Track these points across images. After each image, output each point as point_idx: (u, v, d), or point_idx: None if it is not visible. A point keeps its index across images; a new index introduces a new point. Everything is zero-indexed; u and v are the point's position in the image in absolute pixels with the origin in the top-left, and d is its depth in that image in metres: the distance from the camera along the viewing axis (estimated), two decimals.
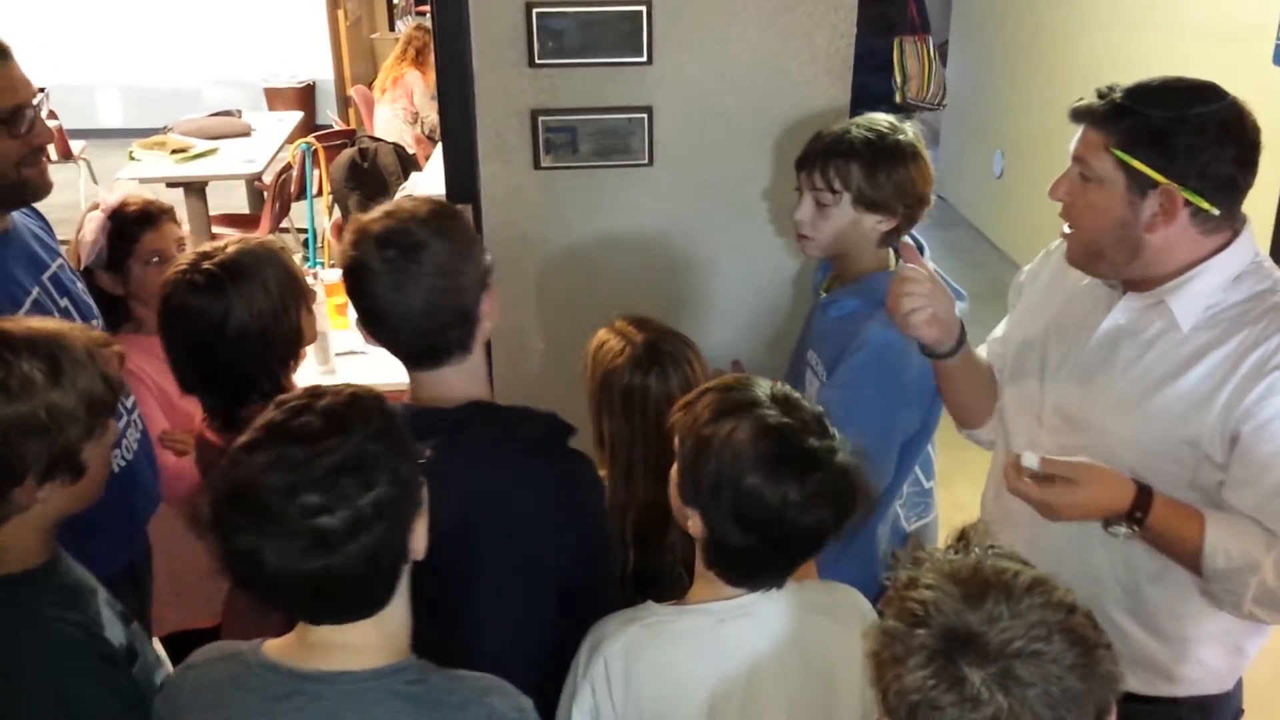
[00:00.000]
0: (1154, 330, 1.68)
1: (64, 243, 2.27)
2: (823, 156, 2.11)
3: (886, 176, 2.08)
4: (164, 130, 6.34)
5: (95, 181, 7.43)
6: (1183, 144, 1.56)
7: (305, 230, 5.88)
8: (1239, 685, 1.85)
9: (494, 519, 1.59)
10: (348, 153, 5.71)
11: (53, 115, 6.81)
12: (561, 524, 1.64)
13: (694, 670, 1.52)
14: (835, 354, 2.13)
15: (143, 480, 2.16)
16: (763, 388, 1.52)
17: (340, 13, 9.06)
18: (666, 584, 1.77)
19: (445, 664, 1.36)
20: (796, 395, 1.54)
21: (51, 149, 2.06)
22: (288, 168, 5.83)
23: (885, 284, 2.06)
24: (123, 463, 2.09)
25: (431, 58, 3.00)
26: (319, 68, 9.31)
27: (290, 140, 6.40)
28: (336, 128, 7.03)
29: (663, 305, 2.56)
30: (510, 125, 2.65)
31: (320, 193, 5.95)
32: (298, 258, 5.78)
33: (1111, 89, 1.62)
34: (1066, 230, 1.72)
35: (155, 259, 2.41)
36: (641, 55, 2.61)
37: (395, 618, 1.33)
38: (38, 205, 2.10)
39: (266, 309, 2.01)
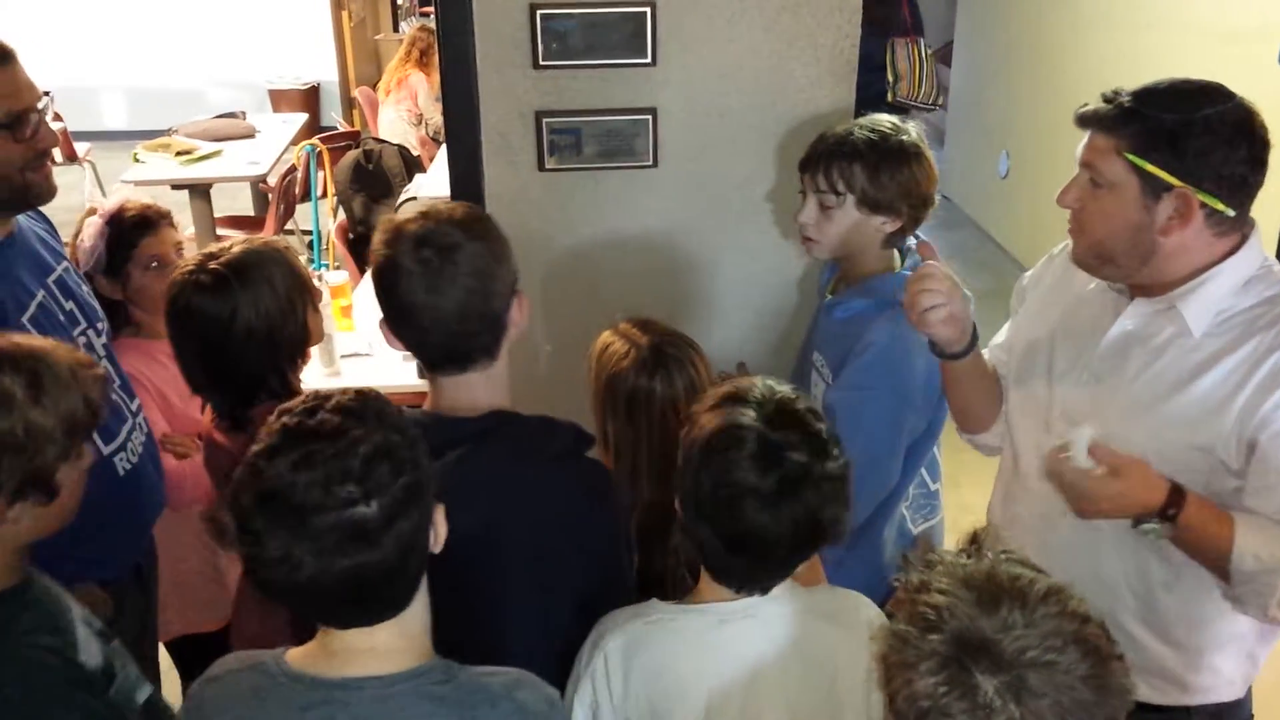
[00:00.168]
0: (1164, 335, 1.67)
1: (66, 245, 2.28)
2: (826, 158, 2.10)
3: (890, 177, 2.07)
4: (169, 132, 6.35)
5: (100, 184, 7.44)
6: (1195, 145, 1.55)
7: (310, 232, 5.89)
8: (1249, 692, 1.84)
9: (517, 529, 1.59)
10: (352, 154, 5.71)
11: (57, 118, 6.80)
12: (583, 534, 1.64)
13: (693, 669, 1.52)
14: (841, 356, 2.13)
15: (148, 483, 2.16)
16: (759, 389, 1.51)
17: (344, 14, 9.07)
18: (670, 586, 1.76)
19: None
20: (791, 396, 1.51)
21: (56, 151, 2.06)
22: (292, 169, 5.84)
23: (891, 285, 2.07)
24: (128, 465, 2.09)
25: (436, 59, 3.00)
26: (323, 69, 9.31)
27: (295, 142, 6.41)
28: (341, 129, 7.04)
29: (667, 307, 2.55)
30: (514, 127, 2.65)
31: (325, 194, 5.95)
32: (302, 259, 5.78)
33: (1118, 93, 1.61)
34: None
35: (154, 264, 2.41)
36: (646, 57, 2.60)
37: (417, 617, 1.32)
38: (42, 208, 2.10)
39: (273, 308, 2.02)
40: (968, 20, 7.47)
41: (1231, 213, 1.58)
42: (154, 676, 2.39)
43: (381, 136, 6.30)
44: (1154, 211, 1.59)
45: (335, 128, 7.30)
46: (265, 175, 6.11)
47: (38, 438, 1.47)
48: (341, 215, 5.58)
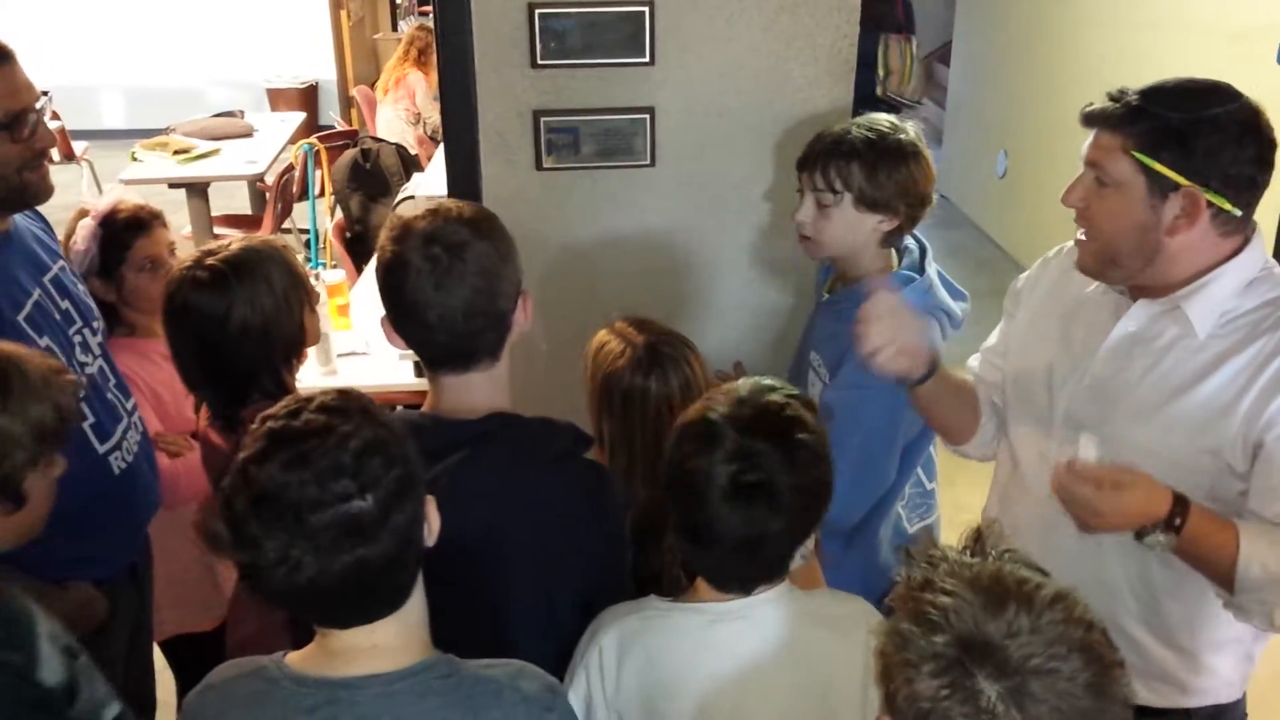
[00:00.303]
0: (1168, 337, 1.66)
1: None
2: (824, 157, 2.10)
3: (888, 176, 2.07)
4: (166, 131, 6.34)
5: (97, 182, 7.44)
6: (1204, 145, 1.54)
7: (307, 231, 5.88)
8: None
9: (519, 531, 1.59)
10: (350, 153, 5.70)
11: (55, 116, 6.82)
12: (583, 535, 1.64)
13: (685, 666, 1.51)
14: (838, 355, 2.13)
15: (143, 482, 2.16)
16: (744, 387, 1.51)
17: (343, 13, 9.07)
18: (664, 585, 1.76)
19: None
20: (777, 401, 1.50)
21: (54, 150, 2.05)
22: (290, 168, 5.83)
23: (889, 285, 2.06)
24: (123, 464, 2.09)
25: (434, 58, 3.00)
26: (321, 68, 9.31)
27: (292, 141, 6.40)
28: (339, 128, 7.03)
29: (665, 306, 2.55)
30: (512, 126, 2.65)
31: (322, 193, 5.95)
32: (300, 259, 5.78)
33: (1124, 92, 1.60)
34: (1081, 237, 1.69)
35: (148, 265, 2.41)
36: (644, 56, 2.60)
37: (415, 611, 1.32)
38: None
39: (270, 306, 2.01)
40: (966, 20, 7.47)
41: (1238, 213, 1.57)
42: (148, 676, 2.39)
43: (379, 135, 6.29)
44: (1160, 211, 1.58)
45: (333, 126, 7.29)
46: (263, 174, 6.10)
47: (4, 443, 1.45)
48: (339, 214, 5.57)
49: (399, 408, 2.38)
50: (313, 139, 6.00)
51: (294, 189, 5.91)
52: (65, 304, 2.06)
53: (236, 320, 1.98)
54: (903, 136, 2.11)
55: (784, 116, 2.69)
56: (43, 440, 1.51)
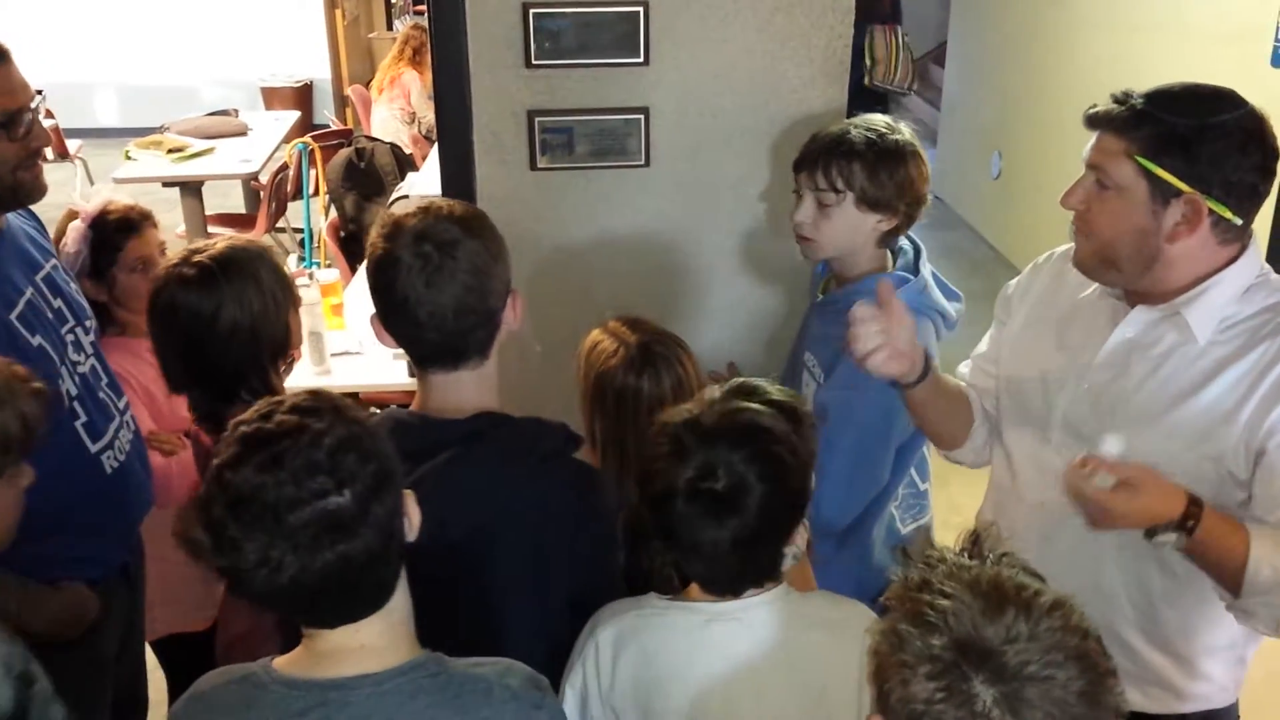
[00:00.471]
0: (1166, 343, 1.65)
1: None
2: (824, 156, 2.10)
3: (889, 175, 2.08)
4: (160, 129, 6.33)
5: (91, 180, 7.42)
6: (1208, 151, 1.53)
7: (301, 230, 5.87)
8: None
9: (508, 531, 1.59)
10: (344, 152, 5.69)
11: (49, 115, 6.80)
12: (574, 535, 1.64)
13: (678, 664, 1.51)
14: (832, 356, 2.13)
15: (135, 481, 2.15)
16: (717, 393, 1.51)
17: (338, 12, 9.07)
18: (655, 586, 1.76)
19: None
20: (747, 397, 1.50)
21: (48, 149, 2.05)
22: (284, 167, 5.82)
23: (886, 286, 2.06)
24: (115, 464, 2.08)
25: (429, 57, 3.00)
26: (316, 67, 9.31)
27: (287, 140, 6.40)
28: (333, 127, 7.03)
29: (659, 306, 2.55)
30: (507, 126, 2.65)
31: (316, 192, 5.94)
32: (294, 258, 5.78)
33: (1128, 95, 1.59)
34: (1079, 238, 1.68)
35: (140, 266, 2.40)
36: (638, 56, 2.60)
37: (400, 610, 1.32)
38: None
39: (258, 305, 2.01)
40: (961, 21, 7.48)
41: (1239, 221, 1.57)
42: (140, 676, 2.39)
43: (374, 135, 6.28)
44: (1161, 217, 1.57)
45: (328, 126, 7.29)
46: (257, 173, 6.09)
47: None
48: (333, 214, 5.56)
49: (393, 407, 2.38)
50: (307, 138, 5.99)
51: (288, 188, 5.90)
52: (58, 302, 2.05)
53: (225, 319, 1.97)
54: (900, 136, 2.11)
55: (779, 117, 2.69)
56: (6, 450, 1.48)
